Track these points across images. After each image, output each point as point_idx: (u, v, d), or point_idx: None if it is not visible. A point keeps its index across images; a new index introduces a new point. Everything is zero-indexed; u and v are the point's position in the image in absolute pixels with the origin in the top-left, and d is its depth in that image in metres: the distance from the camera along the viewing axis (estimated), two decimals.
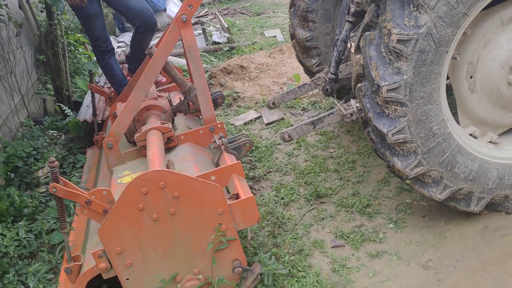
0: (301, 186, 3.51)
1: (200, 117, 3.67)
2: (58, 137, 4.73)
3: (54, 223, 3.23)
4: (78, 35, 6.67)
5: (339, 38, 3.48)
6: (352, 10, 3.31)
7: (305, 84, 3.89)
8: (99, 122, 4.23)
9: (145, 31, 3.79)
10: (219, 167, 2.57)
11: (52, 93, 5.58)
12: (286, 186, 3.52)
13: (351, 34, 3.48)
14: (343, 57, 3.56)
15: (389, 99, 2.36)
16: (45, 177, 4.09)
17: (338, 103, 3.21)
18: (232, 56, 7.01)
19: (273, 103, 3.87)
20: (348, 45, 3.46)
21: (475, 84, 2.58)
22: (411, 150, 2.46)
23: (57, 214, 2.38)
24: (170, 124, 2.97)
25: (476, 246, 2.62)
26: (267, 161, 3.97)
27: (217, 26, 8.61)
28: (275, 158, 4.00)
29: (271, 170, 3.83)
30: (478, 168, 2.58)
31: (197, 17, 9.00)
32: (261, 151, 4.13)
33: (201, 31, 7.71)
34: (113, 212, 2.14)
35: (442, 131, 2.46)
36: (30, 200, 3.57)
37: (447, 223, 2.84)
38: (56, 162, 2.25)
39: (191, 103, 3.28)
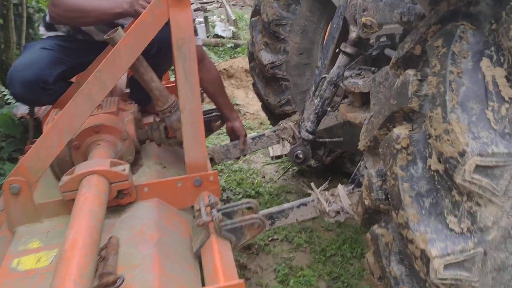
0: (322, 279, 2.28)
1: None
2: None
3: None
4: None
5: (325, 76, 2.24)
6: (353, 35, 2.10)
7: (263, 135, 2.67)
8: (36, 118, 2.93)
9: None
10: None
11: None
12: (298, 275, 2.29)
13: (347, 74, 2.26)
14: (328, 109, 2.30)
15: None
16: None
17: (317, 188, 1.96)
18: (236, 55, 5.77)
19: (211, 159, 2.57)
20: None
21: None
22: None
23: None
24: (127, 168, 1.70)
25: None
26: None
27: (222, 16, 7.40)
28: None
29: (276, 237, 2.59)
30: None
31: (200, 2, 7.75)
32: (263, 201, 2.90)
33: (202, 19, 6.46)
34: None
35: None
36: None
37: None
38: None
39: (170, 130, 2.03)
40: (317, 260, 2.40)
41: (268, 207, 2.80)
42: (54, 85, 2.11)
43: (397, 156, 1.15)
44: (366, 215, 1.36)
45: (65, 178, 1.66)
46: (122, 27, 1.99)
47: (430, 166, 1.11)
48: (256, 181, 3.15)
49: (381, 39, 2.29)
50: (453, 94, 1.04)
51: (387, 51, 2.22)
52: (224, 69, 4.82)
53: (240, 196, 2.98)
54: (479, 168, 1.02)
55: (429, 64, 1.12)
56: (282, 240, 2.58)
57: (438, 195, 1.11)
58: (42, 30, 2.38)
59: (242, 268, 2.35)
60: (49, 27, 2.35)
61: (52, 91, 2.12)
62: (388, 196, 1.23)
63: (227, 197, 2.98)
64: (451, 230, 1.11)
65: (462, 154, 1.01)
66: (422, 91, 1.13)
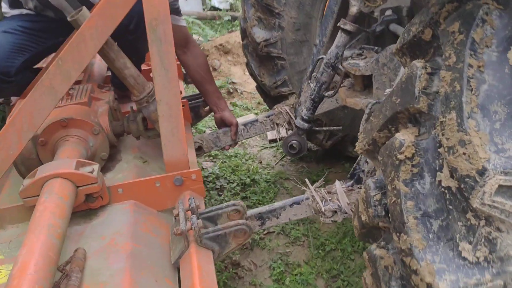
0: (320, 277, 2.11)
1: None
2: None
3: None
4: None
5: (322, 57, 2.02)
6: (354, 10, 1.85)
7: (256, 120, 2.48)
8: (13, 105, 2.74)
9: None
10: None
11: None
12: (295, 273, 2.12)
13: (347, 54, 2.02)
14: (326, 94, 2.07)
15: None
16: None
17: (312, 185, 1.75)
18: (233, 29, 5.48)
19: (199, 147, 2.36)
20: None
21: None
22: None
23: None
24: (96, 168, 1.51)
25: None
26: None
27: None
28: None
29: (272, 230, 2.42)
30: None
31: None
32: (259, 189, 2.72)
33: None
34: None
35: None
36: None
37: None
38: None
39: (149, 121, 1.83)
40: (316, 255, 2.23)
41: (264, 196, 2.64)
42: (16, 76, 1.88)
43: (399, 168, 0.94)
44: (364, 229, 1.16)
45: (25, 181, 1.48)
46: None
47: (440, 181, 0.91)
48: (252, 167, 2.96)
49: (386, 13, 2.04)
50: (471, 94, 0.83)
51: (393, 27, 1.97)
52: (220, 45, 4.55)
53: (235, 184, 2.79)
54: (502, 189, 0.81)
55: (442, 53, 0.90)
56: (278, 233, 2.40)
57: (449, 217, 0.91)
58: (4, 8, 2.11)
59: (234, 266, 2.19)
60: (13, 3, 2.09)
61: (14, 83, 1.90)
62: (389, 214, 1.04)
63: (221, 185, 2.80)
64: (464, 259, 0.91)
65: (482, 172, 0.80)
66: (433, 87, 0.91)
